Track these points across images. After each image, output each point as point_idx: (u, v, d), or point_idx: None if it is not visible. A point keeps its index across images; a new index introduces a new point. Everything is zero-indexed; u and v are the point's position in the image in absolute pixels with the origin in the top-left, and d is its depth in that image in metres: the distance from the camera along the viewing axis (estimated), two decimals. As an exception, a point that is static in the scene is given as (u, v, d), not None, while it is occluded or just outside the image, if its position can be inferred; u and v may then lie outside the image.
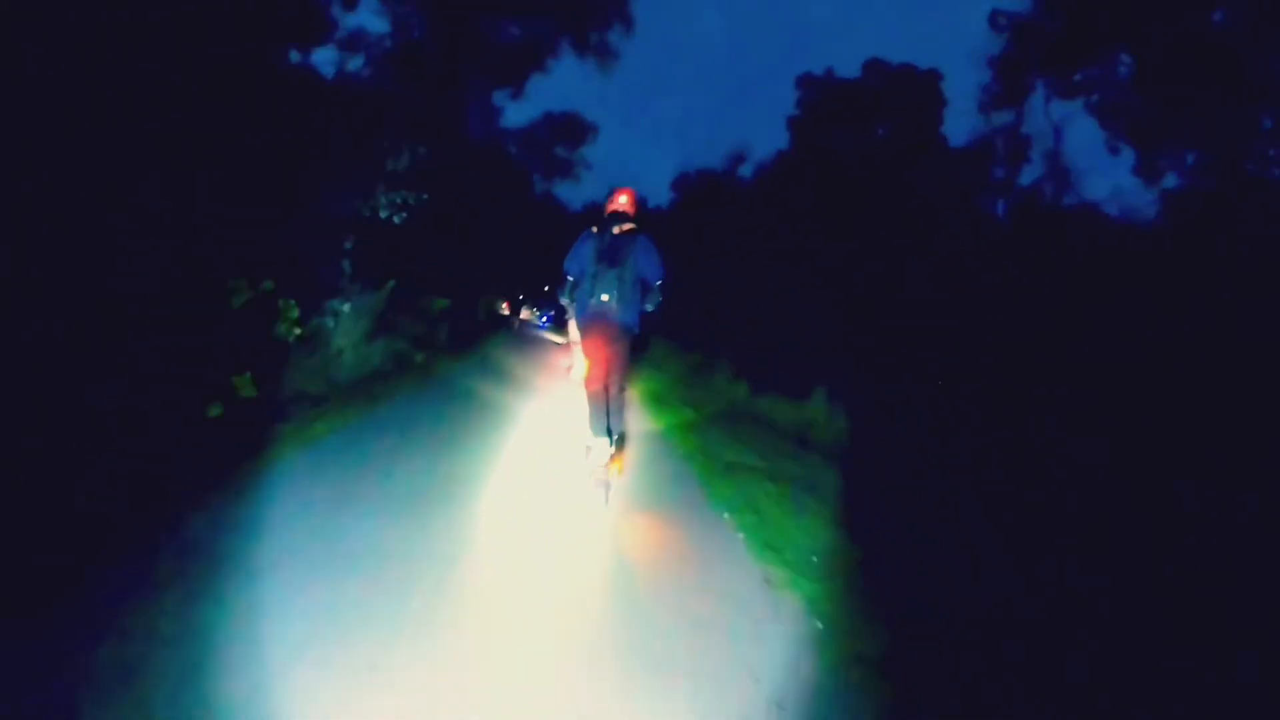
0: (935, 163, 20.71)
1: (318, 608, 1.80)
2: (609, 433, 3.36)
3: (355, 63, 14.14)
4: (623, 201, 3.39)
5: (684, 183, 28.59)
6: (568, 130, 23.26)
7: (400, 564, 2.16)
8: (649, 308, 3.39)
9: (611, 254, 3.22)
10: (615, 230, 3.26)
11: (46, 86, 5.05)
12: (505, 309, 15.61)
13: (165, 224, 4.58)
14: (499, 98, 19.96)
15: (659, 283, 3.32)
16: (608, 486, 3.34)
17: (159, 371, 3.67)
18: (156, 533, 2.15)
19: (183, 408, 3.39)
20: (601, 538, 2.78)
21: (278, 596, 1.84)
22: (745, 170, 27.20)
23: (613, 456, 3.39)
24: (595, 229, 3.30)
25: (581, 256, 3.27)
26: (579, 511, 3.09)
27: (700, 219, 20.78)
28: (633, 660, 1.82)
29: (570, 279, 3.33)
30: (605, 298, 3.19)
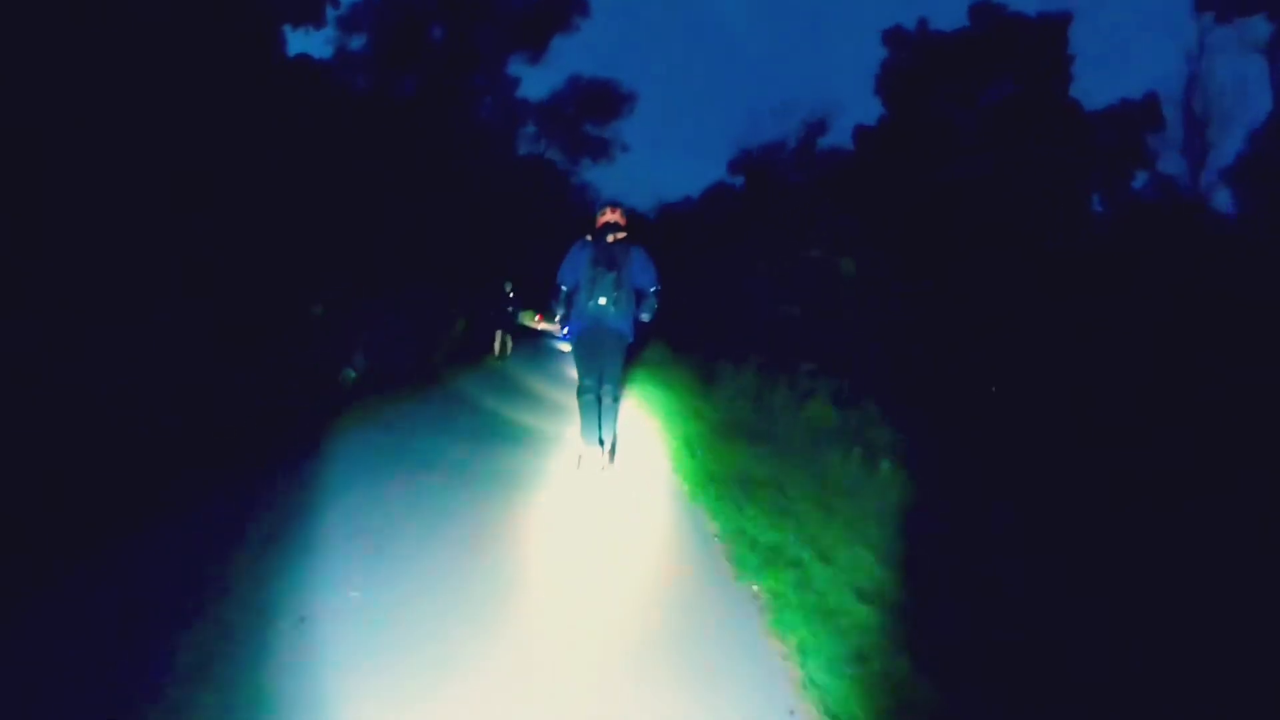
0: (1066, 129, 20.63)
1: (340, 607, 2.47)
2: (601, 441, 4.12)
3: (357, 41, 15.78)
4: (614, 214, 4.21)
5: (745, 162, 29.02)
6: (598, 101, 23.59)
7: (401, 567, 2.95)
8: (645, 317, 4.16)
9: (608, 259, 4.01)
10: (609, 239, 4.06)
11: (48, 86, 6.41)
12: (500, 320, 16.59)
13: (172, 223, 5.77)
14: (515, 64, 20.74)
15: (654, 289, 4.09)
16: (599, 494, 4.07)
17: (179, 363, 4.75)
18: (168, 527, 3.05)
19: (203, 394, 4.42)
20: (592, 544, 3.46)
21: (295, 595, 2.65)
22: (825, 141, 27.39)
23: (604, 466, 4.14)
24: (589, 238, 4.11)
25: (576, 265, 4.06)
26: (572, 518, 3.80)
27: (762, 209, 21.34)
28: (621, 669, 2.26)
29: (564, 289, 4.10)
30: (603, 301, 3.98)
